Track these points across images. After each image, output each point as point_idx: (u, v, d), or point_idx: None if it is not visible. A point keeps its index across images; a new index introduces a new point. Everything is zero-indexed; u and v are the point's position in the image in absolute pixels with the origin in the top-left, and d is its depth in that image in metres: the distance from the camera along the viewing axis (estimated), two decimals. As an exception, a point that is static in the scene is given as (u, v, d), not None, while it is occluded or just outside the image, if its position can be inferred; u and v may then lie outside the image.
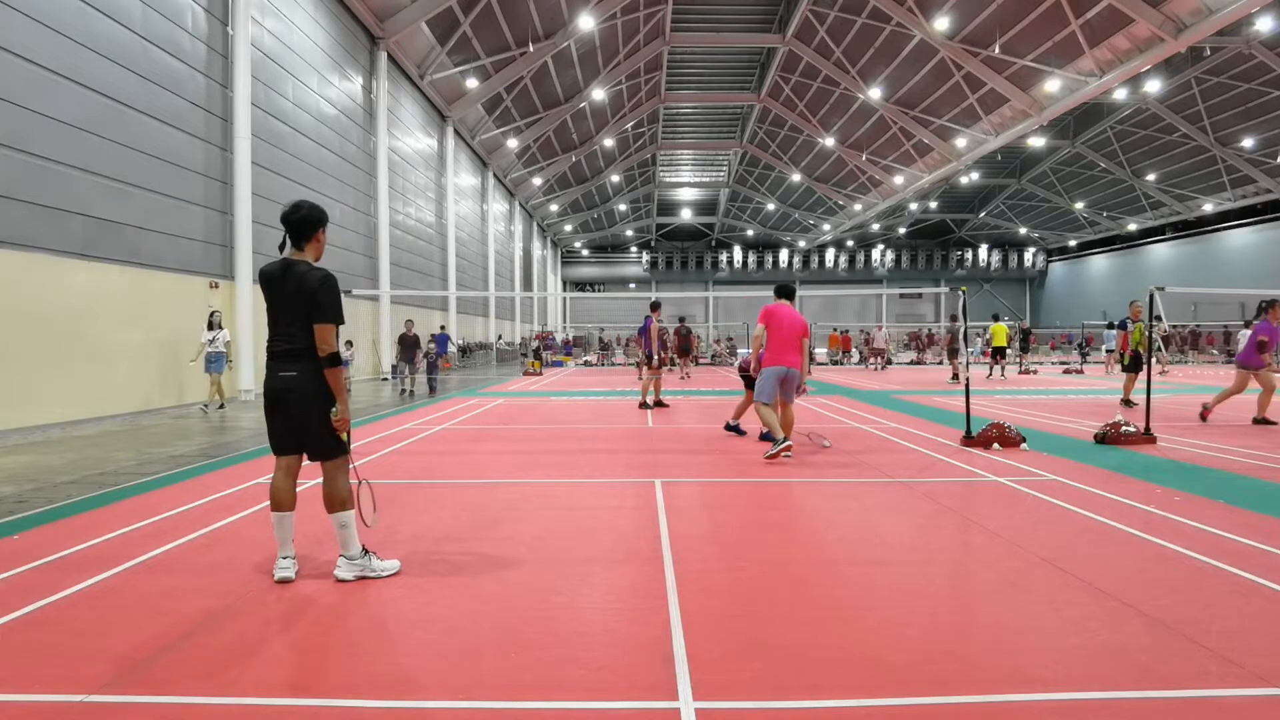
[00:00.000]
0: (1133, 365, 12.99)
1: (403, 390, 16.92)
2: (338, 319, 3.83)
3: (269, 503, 3.96)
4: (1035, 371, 24.27)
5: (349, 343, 16.57)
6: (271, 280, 3.85)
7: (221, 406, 12.94)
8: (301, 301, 3.76)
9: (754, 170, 52.84)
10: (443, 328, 28.15)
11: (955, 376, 20.51)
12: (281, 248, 3.95)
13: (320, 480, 3.98)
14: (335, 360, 3.81)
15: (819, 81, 35.03)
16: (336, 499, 3.90)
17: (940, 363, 31.88)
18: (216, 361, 12.65)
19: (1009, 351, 22.26)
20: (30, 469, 7.31)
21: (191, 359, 12.49)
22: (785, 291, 8.01)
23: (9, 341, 9.63)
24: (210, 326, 12.66)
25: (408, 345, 16.95)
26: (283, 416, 3.87)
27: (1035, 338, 31.46)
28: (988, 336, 21.62)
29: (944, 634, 3.16)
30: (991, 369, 21.62)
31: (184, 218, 13.24)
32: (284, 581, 3.84)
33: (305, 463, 4.02)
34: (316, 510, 5.46)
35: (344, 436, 3.91)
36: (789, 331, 7.63)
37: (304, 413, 3.81)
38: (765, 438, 9.64)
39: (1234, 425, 10.19)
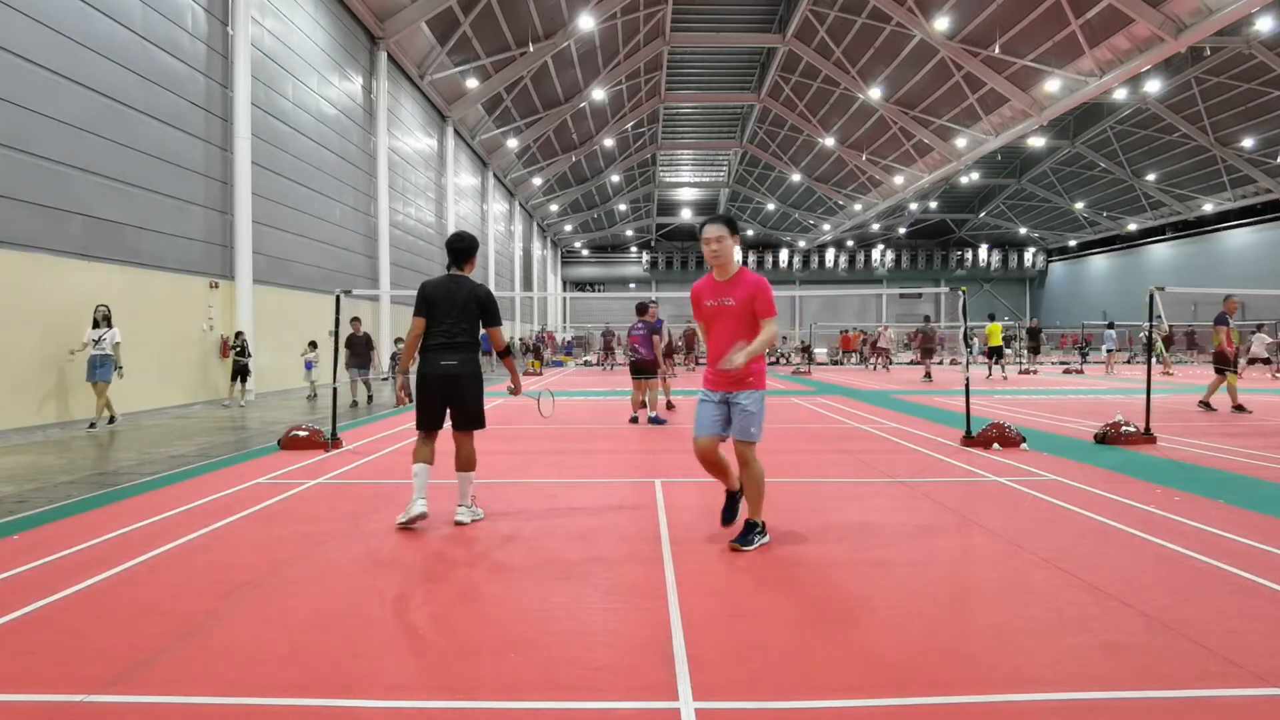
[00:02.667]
0: (1227, 364, 11.79)
1: (352, 401, 14.34)
2: (502, 322, 5.15)
3: (412, 457, 4.98)
4: (1035, 371, 24.27)
5: (312, 343, 15.72)
6: (439, 288, 4.98)
7: (112, 421, 10.66)
8: (472, 308, 4.94)
9: (754, 170, 52.84)
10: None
11: (928, 375, 20.80)
12: (448, 267, 5.14)
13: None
14: (509, 351, 5.20)
15: (819, 81, 35.03)
16: (469, 461, 5.05)
17: (940, 362, 31.88)
18: (102, 368, 10.30)
19: (1008, 351, 22.32)
20: (30, 469, 7.31)
21: (74, 349, 10.31)
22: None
23: (9, 341, 9.63)
24: (95, 324, 10.43)
25: (358, 348, 14.25)
26: (440, 397, 4.92)
27: (1045, 337, 30.97)
28: (985, 336, 21.78)
29: (944, 634, 3.16)
30: (990, 369, 21.67)
31: (184, 218, 13.24)
32: (420, 516, 4.83)
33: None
34: (313, 510, 5.47)
35: (522, 390, 5.32)
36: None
37: (460, 393, 4.92)
38: (653, 421, 10.44)
39: (1234, 425, 10.19)
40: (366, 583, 3.87)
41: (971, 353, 24.09)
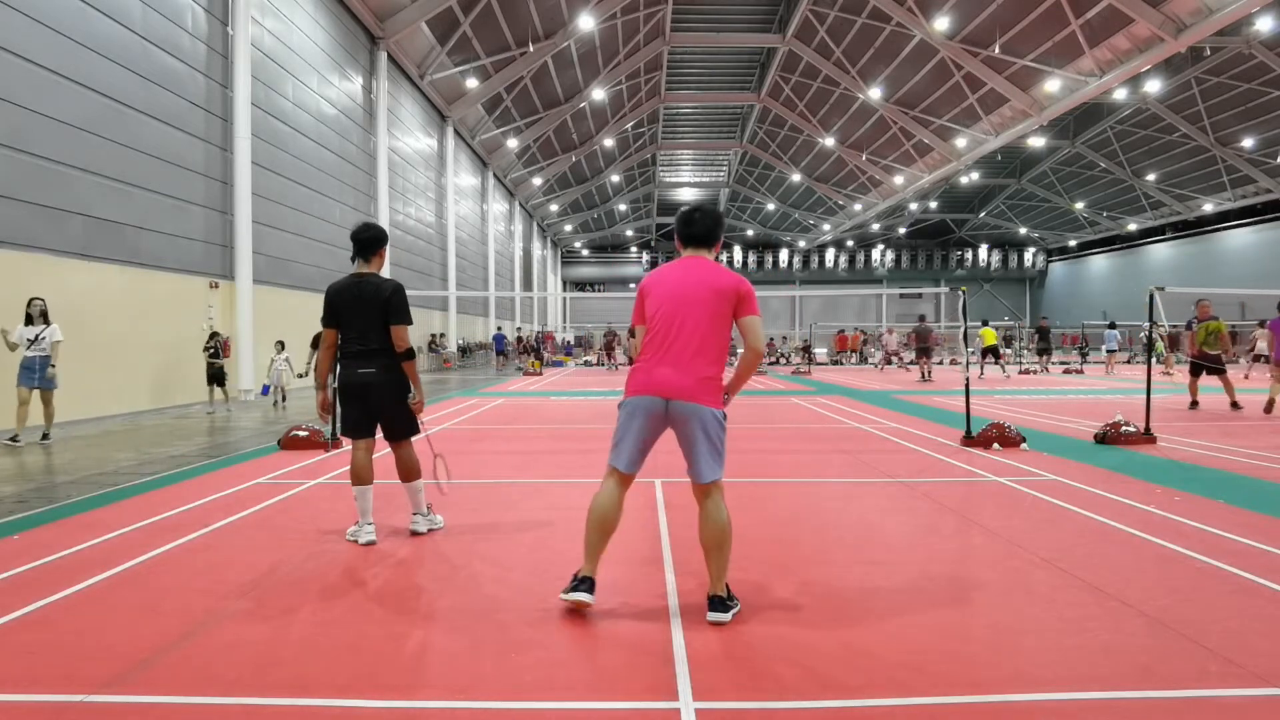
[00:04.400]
0: (1194, 369, 12.51)
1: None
2: (409, 320, 4.55)
3: (351, 479, 4.56)
4: (1046, 371, 24.14)
5: (280, 343, 14.02)
6: (344, 292, 4.52)
7: (45, 437, 9.06)
8: (377, 308, 4.43)
9: (754, 170, 52.84)
10: (500, 328, 28.15)
11: (924, 376, 20.93)
12: (353, 261, 4.64)
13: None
14: (411, 355, 4.54)
15: (819, 81, 35.03)
16: (412, 471, 4.67)
17: (941, 362, 31.87)
18: (39, 371, 8.74)
19: (1007, 351, 22.85)
20: (30, 469, 7.31)
21: (7, 335, 8.74)
22: (697, 234, 3.62)
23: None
24: (30, 320, 8.84)
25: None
26: (362, 406, 4.54)
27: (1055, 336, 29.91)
28: (979, 341, 22.42)
29: (944, 634, 3.16)
30: (982, 368, 21.99)
31: (184, 218, 13.24)
32: (369, 544, 4.50)
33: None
34: (313, 510, 5.47)
35: (419, 418, 4.64)
36: (680, 312, 3.37)
37: (383, 402, 4.50)
38: None
39: (1234, 425, 10.19)
40: (366, 583, 3.87)
41: (973, 353, 24.17)
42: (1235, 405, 11.92)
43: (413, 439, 4.71)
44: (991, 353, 21.73)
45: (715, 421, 3.35)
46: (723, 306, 3.35)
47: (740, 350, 3.51)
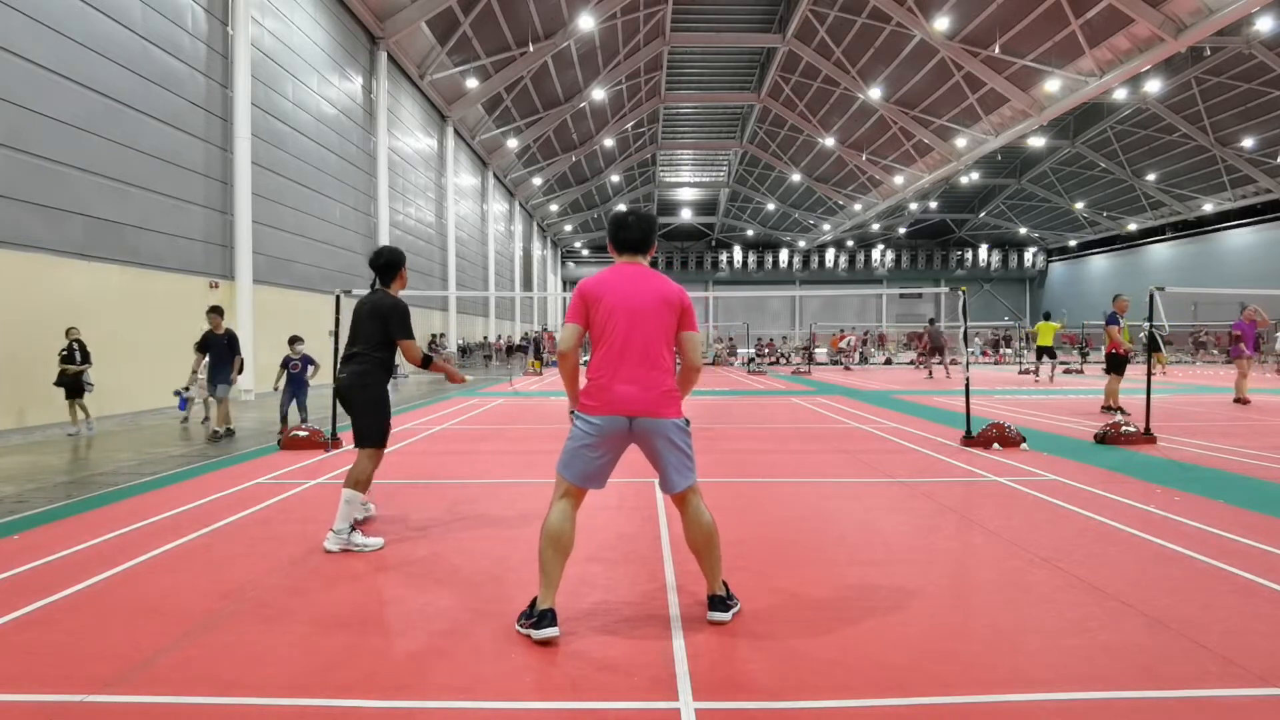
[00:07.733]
0: (1118, 366, 11.56)
1: (212, 431, 9.63)
2: (409, 335, 4.69)
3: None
4: (1036, 372, 23.93)
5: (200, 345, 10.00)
6: (360, 306, 4.75)
7: None
8: (376, 320, 4.62)
9: (754, 170, 52.84)
10: (541, 328, 27.59)
11: (930, 375, 21.57)
12: (373, 286, 4.82)
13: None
14: (428, 361, 4.76)
15: (819, 81, 35.03)
16: (354, 478, 4.54)
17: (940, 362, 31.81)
18: None
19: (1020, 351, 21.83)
20: (30, 469, 7.31)
21: None
22: (632, 240, 3.45)
23: (9, 341, 9.62)
24: None
25: (218, 352, 9.60)
26: (346, 410, 4.72)
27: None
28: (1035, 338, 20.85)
29: (944, 634, 3.16)
30: (1038, 370, 20.68)
31: (184, 218, 13.24)
32: (367, 518, 5.01)
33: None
34: (313, 510, 5.47)
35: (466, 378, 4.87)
36: (634, 323, 3.28)
37: (350, 404, 4.65)
38: None
39: (1235, 425, 10.20)
40: (367, 582, 3.87)
41: (972, 352, 24.09)
42: (1106, 408, 11.43)
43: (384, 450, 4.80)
44: (1046, 353, 19.49)
45: (679, 430, 3.31)
46: (670, 318, 3.34)
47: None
